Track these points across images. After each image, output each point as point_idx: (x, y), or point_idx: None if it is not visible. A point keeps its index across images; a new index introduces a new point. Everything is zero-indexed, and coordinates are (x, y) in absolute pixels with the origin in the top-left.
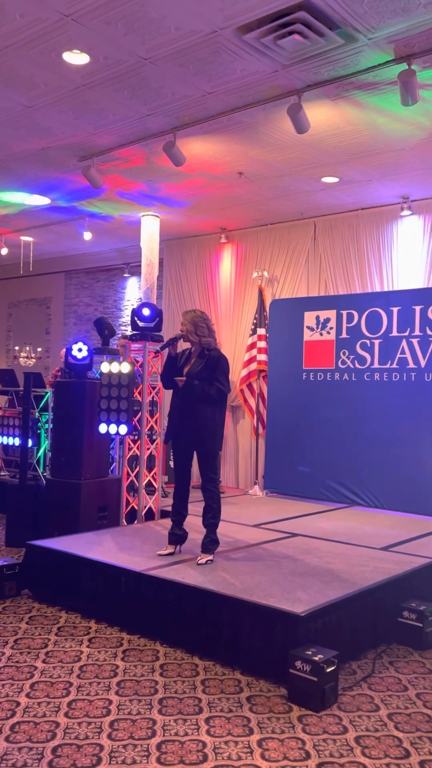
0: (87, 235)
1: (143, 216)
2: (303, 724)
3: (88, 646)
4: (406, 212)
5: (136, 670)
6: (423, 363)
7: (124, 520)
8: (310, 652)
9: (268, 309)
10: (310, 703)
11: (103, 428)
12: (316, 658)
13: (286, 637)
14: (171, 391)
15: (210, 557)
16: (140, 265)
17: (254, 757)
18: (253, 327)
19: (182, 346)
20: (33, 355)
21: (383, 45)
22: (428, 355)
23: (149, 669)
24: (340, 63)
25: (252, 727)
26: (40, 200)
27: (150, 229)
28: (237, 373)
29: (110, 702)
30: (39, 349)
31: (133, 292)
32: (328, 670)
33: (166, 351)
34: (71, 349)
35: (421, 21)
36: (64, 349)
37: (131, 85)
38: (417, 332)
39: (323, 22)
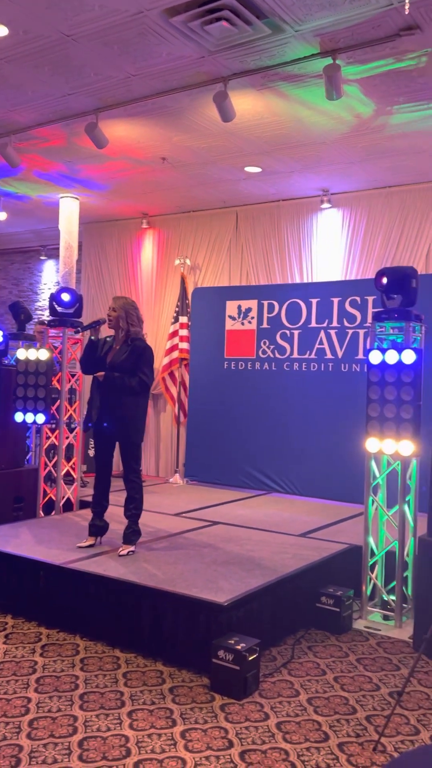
0: (1, 215)
1: (62, 197)
2: (225, 712)
3: (4, 643)
4: (326, 205)
5: (56, 665)
6: (340, 354)
7: (41, 512)
8: (232, 641)
9: (190, 297)
10: (232, 692)
11: (19, 417)
12: (239, 647)
13: (208, 626)
14: (91, 378)
15: (132, 548)
16: (58, 248)
17: (178, 749)
18: (175, 315)
19: (104, 332)
20: None
21: (309, 38)
22: (345, 346)
23: (69, 664)
24: (267, 53)
25: (175, 719)
26: None
27: (69, 211)
28: (159, 361)
29: (29, 700)
30: None
31: (50, 276)
32: (250, 658)
33: (86, 334)
34: None
35: (347, 16)
36: None
37: (53, 62)
38: (335, 324)
39: (251, 11)
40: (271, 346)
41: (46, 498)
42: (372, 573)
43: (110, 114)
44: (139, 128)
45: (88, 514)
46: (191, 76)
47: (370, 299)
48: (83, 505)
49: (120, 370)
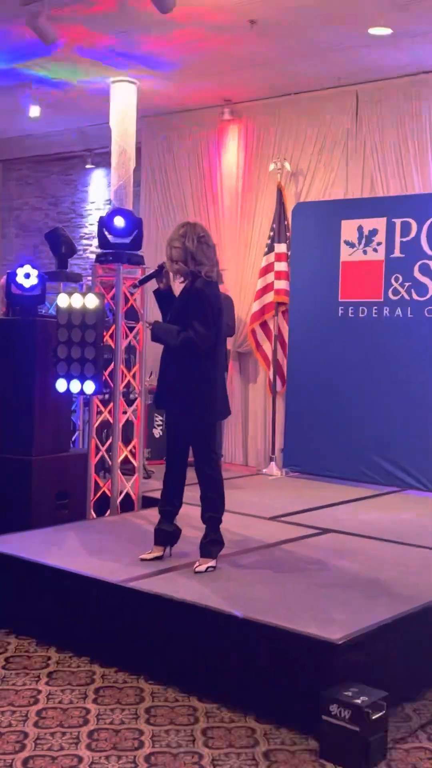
0: (34, 110)
1: (114, 82)
2: None
3: (47, 684)
4: None
5: (114, 715)
6: None
7: (92, 511)
8: (349, 693)
9: (290, 216)
10: (350, 761)
11: (61, 385)
12: (359, 701)
13: (316, 672)
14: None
15: (211, 563)
16: (109, 154)
17: None
18: (269, 242)
19: None
20: None
21: None
22: None
23: (132, 714)
24: None
25: None
26: None
27: (123, 101)
28: (246, 307)
29: (80, 759)
30: None
31: (100, 192)
32: (375, 716)
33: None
34: (15, 275)
35: None
36: (5, 276)
37: None
38: None
39: None
40: (406, 284)
41: (99, 493)
42: None
43: None
44: None
45: (154, 515)
46: None
47: None
48: (147, 502)
49: (177, 325)
